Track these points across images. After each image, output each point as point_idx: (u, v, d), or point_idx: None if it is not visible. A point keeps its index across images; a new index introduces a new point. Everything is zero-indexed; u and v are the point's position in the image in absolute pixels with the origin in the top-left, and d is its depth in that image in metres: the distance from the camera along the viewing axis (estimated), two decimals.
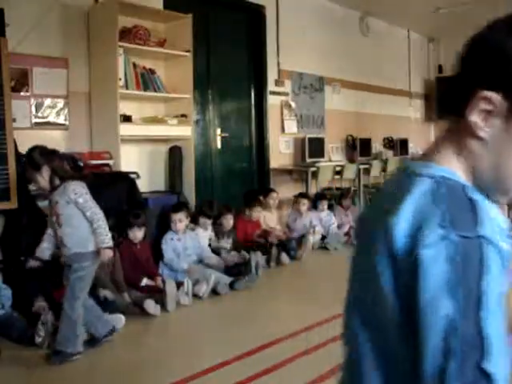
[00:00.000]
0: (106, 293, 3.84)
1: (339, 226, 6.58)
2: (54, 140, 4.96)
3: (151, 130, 5.42)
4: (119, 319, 3.60)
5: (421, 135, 10.94)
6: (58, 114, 4.99)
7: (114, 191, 4.70)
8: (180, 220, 4.74)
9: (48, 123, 4.93)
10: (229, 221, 5.30)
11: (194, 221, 5.12)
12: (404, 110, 10.44)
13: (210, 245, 5.09)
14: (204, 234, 5.10)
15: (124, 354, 3.26)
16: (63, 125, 5.04)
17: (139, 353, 3.25)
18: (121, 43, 5.04)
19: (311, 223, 6.35)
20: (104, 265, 4.07)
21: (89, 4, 5.17)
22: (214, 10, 6.62)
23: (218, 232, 5.23)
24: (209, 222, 5.15)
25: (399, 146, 9.58)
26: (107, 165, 4.96)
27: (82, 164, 4.80)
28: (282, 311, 4.20)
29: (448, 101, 0.91)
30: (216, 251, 5.05)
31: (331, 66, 8.41)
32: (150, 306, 3.78)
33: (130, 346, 3.40)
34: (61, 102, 5.01)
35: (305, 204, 6.43)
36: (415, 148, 10.34)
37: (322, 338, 3.32)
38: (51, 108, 4.94)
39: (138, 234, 4.39)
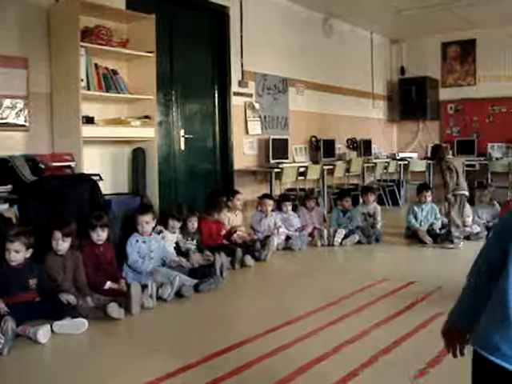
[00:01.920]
0: (68, 298, 3.77)
1: (303, 227, 6.60)
2: (14, 141, 4.87)
3: (114, 132, 5.37)
4: (82, 324, 3.54)
5: (384, 136, 11.09)
6: (17, 114, 4.90)
7: (76, 193, 4.64)
8: (147, 222, 4.70)
9: (7, 124, 4.83)
10: (194, 223, 5.30)
11: (163, 223, 5.10)
12: (367, 111, 10.56)
13: (175, 248, 5.06)
14: (171, 238, 5.08)
15: (87, 359, 3.21)
16: (23, 126, 4.94)
17: (103, 357, 3.20)
18: (82, 43, 4.97)
19: (275, 224, 6.36)
20: (66, 268, 4.03)
21: (49, 2, 5.08)
22: (177, 10, 6.59)
23: (184, 234, 5.21)
24: (178, 224, 5.13)
25: (363, 146, 9.68)
26: (69, 167, 4.89)
27: (43, 166, 4.74)
28: (247, 313, 4.20)
29: None
30: (183, 253, 5.02)
31: (295, 67, 8.46)
32: (114, 309, 3.73)
33: (93, 351, 3.35)
34: (20, 103, 4.91)
35: (269, 205, 6.44)
36: (378, 148, 10.47)
37: (287, 339, 3.32)
38: (10, 109, 4.85)
39: (101, 236, 4.34)
